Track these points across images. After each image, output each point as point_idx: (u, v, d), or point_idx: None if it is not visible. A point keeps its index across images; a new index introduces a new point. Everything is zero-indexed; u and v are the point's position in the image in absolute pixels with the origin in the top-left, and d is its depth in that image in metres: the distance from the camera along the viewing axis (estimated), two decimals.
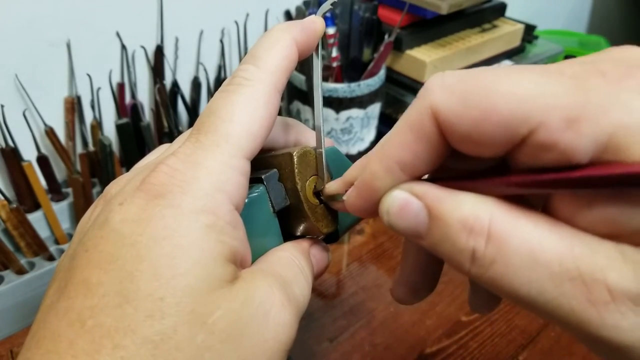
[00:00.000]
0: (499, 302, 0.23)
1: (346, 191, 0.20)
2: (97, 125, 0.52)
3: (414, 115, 0.15)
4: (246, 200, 0.20)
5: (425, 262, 0.22)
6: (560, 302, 0.13)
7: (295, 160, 0.22)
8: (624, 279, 0.13)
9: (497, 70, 0.14)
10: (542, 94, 0.13)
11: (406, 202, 0.16)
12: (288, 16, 0.64)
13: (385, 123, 0.66)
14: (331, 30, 0.54)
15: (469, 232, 0.14)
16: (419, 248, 0.21)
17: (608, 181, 0.12)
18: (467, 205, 0.15)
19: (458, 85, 0.14)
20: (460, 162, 0.18)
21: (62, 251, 0.49)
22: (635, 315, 0.12)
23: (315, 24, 0.21)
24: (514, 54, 0.71)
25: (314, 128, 0.24)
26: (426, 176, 0.17)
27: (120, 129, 0.52)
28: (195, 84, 0.59)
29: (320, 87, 0.23)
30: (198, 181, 0.18)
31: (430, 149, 0.15)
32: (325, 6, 0.22)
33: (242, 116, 0.19)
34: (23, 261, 0.46)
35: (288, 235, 0.23)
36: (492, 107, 0.13)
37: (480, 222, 0.14)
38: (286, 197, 0.23)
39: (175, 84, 0.56)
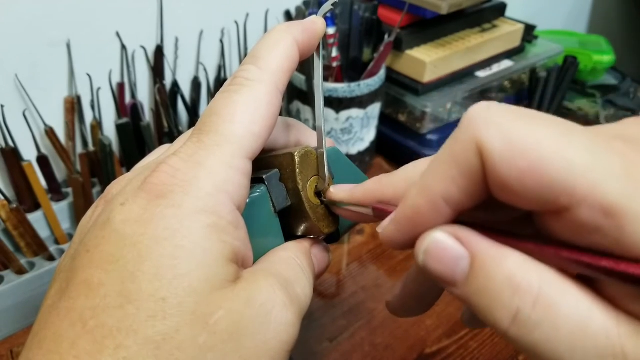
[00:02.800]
0: None
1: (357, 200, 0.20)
2: (97, 125, 0.52)
3: (458, 148, 0.14)
4: (247, 201, 0.20)
5: (427, 291, 0.22)
6: None
7: (296, 160, 0.22)
8: None
9: (549, 120, 0.14)
10: (591, 168, 0.12)
11: (448, 246, 0.15)
12: (288, 16, 0.64)
13: (385, 123, 0.66)
14: (331, 30, 0.54)
15: (514, 290, 0.14)
16: (425, 278, 0.21)
17: None
18: (515, 262, 0.14)
19: (505, 123, 0.13)
20: (487, 213, 0.17)
21: (62, 251, 0.49)
22: None
23: (316, 24, 0.22)
24: (514, 54, 0.71)
25: (314, 128, 0.24)
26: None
27: (120, 129, 0.52)
28: (195, 84, 0.59)
29: (322, 88, 0.23)
30: (200, 181, 0.17)
31: (474, 184, 0.15)
32: (327, 7, 0.22)
33: (244, 116, 0.19)
34: (23, 261, 0.46)
35: (289, 235, 0.23)
36: (539, 163, 0.13)
37: (529, 282, 0.14)
38: (287, 198, 0.23)
39: (175, 84, 0.56)
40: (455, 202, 0.15)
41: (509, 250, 0.15)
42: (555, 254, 0.14)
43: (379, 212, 0.19)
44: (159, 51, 0.55)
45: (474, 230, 0.15)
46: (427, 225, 0.16)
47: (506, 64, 0.69)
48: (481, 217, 0.17)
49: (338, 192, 0.22)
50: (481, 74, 0.66)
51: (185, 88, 0.59)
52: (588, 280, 0.14)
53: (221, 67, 0.59)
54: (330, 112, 0.56)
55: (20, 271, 0.45)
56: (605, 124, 0.15)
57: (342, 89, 0.54)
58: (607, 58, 0.81)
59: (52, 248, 0.49)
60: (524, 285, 0.14)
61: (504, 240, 0.15)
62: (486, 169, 0.14)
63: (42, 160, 0.49)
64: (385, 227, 0.18)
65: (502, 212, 0.17)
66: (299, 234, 0.24)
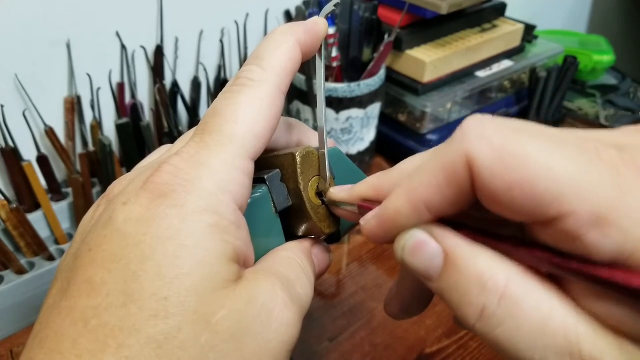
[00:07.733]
0: None
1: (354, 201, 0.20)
2: (97, 125, 0.52)
3: (448, 159, 0.15)
4: (249, 201, 0.20)
5: (421, 287, 0.22)
6: None
7: (298, 160, 0.22)
8: None
9: (540, 133, 0.14)
10: (579, 180, 0.13)
11: (424, 242, 0.16)
12: (288, 16, 0.64)
13: (386, 123, 0.66)
14: (331, 30, 0.55)
15: (482, 287, 0.15)
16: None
17: (628, 291, 0.12)
18: (485, 260, 0.15)
19: (498, 139, 0.14)
20: (479, 213, 0.17)
21: (62, 251, 0.49)
22: None
23: (318, 25, 0.22)
24: (514, 54, 0.71)
25: (315, 128, 0.24)
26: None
27: (120, 129, 0.52)
28: (195, 84, 0.59)
29: (323, 88, 0.23)
30: (202, 181, 0.18)
31: (459, 194, 0.15)
32: (329, 7, 0.22)
33: (247, 117, 0.19)
34: (23, 261, 0.46)
35: (290, 235, 0.23)
36: (528, 177, 0.13)
37: (496, 280, 0.14)
38: (288, 198, 0.23)
39: (175, 84, 0.56)
40: (436, 209, 0.16)
41: (481, 248, 0.15)
42: (529, 254, 0.15)
43: (364, 210, 0.20)
44: (159, 51, 0.55)
45: (451, 229, 0.16)
46: (407, 225, 0.17)
47: (506, 64, 0.69)
48: (468, 214, 0.18)
49: (337, 191, 0.22)
50: (481, 74, 0.67)
51: (185, 88, 0.59)
52: (555, 279, 0.15)
53: (221, 67, 0.59)
54: (330, 112, 0.56)
55: (20, 271, 0.45)
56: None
57: (342, 89, 0.54)
58: (607, 58, 0.81)
59: (52, 248, 0.49)
60: (491, 283, 0.15)
61: (479, 239, 0.16)
62: (475, 183, 0.14)
63: (42, 160, 0.49)
64: (367, 221, 0.19)
65: (488, 212, 0.17)
66: (300, 234, 0.24)
